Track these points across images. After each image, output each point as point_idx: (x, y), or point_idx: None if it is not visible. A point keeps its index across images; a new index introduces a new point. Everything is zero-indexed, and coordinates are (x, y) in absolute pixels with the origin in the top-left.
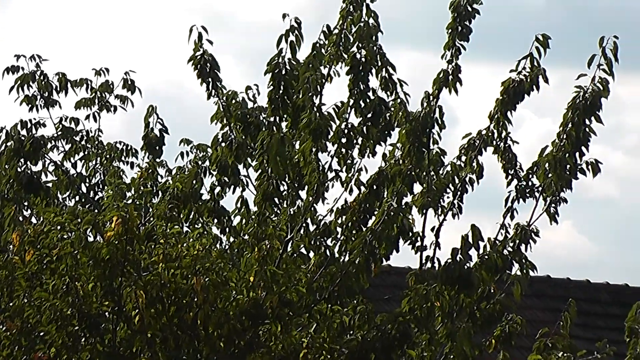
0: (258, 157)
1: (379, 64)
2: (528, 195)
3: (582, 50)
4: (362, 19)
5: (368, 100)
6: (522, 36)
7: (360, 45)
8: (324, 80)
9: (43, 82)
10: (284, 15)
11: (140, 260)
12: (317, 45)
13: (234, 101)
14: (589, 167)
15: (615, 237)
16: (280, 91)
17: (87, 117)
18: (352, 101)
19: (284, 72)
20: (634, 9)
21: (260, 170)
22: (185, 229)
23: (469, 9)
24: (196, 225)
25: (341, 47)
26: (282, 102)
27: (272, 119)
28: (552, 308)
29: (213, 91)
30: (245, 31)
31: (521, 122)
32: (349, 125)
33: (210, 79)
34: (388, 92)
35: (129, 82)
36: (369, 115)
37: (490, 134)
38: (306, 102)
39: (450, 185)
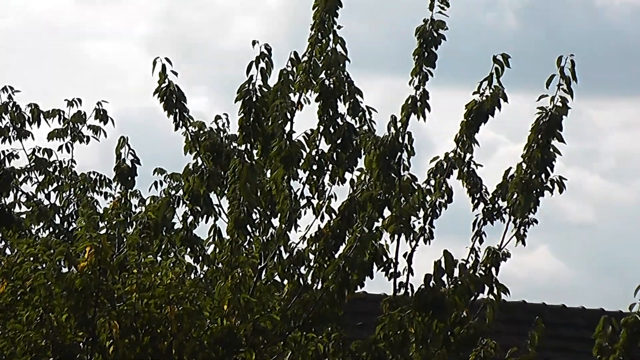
0: (230, 186)
1: (347, 91)
2: (495, 217)
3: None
4: (330, 46)
5: (337, 127)
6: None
7: (328, 72)
8: (294, 108)
9: (15, 114)
10: (254, 42)
11: (114, 290)
12: (285, 72)
13: (202, 131)
14: (554, 184)
15: (592, 262)
16: (251, 118)
17: (60, 147)
18: (321, 128)
19: (254, 99)
20: (610, 33)
21: (232, 199)
22: (158, 258)
23: (435, 34)
24: (169, 255)
25: (310, 75)
26: (252, 130)
27: (242, 146)
28: (528, 333)
29: (180, 122)
30: (218, 60)
31: (495, 147)
32: (320, 152)
33: (177, 110)
34: (356, 119)
35: (102, 112)
36: (338, 142)
37: (457, 157)
38: (276, 130)
39: (421, 210)
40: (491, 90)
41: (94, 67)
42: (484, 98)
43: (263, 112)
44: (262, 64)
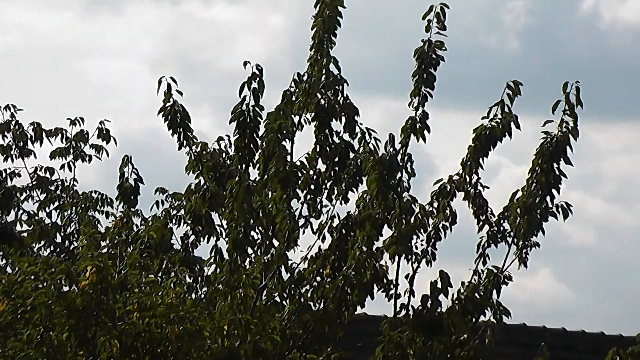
0: (228, 206)
1: (342, 110)
2: (500, 240)
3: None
4: (324, 65)
5: (333, 146)
6: (503, 83)
7: (323, 91)
8: (294, 129)
9: (18, 132)
10: (245, 63)
11: (115, 309)
12: (288, 93)
13: (205, 152)
14: (559, 210)
15: (593, 285)
16: (246, 139)
17: (62, 166)
18: (318, 147)
19: (248, 119)
20: (612, 56)
21: (229, 219)
22: (159, 278)
23: (433, 56)
24: (169, 275)
25: (309, 95)
26: (247, 150)
27: (239, 167)
28: (528, 356)
29: (184, 142)
30: (221, 80)
31: (498, 170)
32: (317, 171)
33: (181, 130)
34: (356, 140)
35: (104, 132)
36: (336, 160)
37: (462, 180)
38: (275, 150)
39: (422, 232)
40: (501, 116)
41: (97, 85)
42: (494, 123)
43: (257, 132)
44: (255, 84)
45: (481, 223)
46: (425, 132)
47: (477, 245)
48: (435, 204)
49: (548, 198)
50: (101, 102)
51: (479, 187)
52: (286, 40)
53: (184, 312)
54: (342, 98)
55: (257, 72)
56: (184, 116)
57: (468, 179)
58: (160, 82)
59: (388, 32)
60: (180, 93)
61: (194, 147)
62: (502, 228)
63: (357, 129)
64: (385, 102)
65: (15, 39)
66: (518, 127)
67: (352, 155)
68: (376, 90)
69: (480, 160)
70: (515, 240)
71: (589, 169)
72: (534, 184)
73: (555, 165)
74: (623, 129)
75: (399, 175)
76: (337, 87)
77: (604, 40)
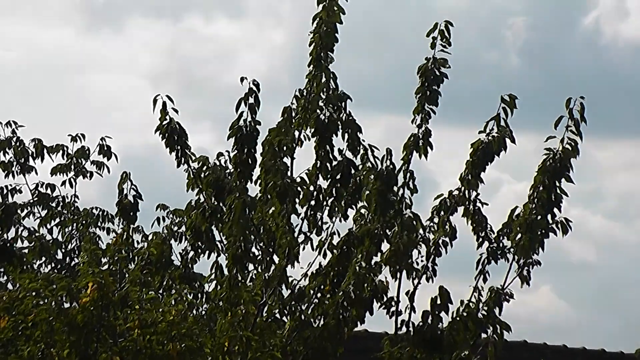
0: (227, 222)
1: (343, 126)
2: (499, 257)
3: (561, 114)
4: (322, 81)
5: (335, 162)
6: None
7: (323, 107)
8: (294, 144)
9: (19, 149)
10: (242, 79)
11: (116, 325)
12: (289, 109)
13: (205, 167)
14: (559, 226)
15: (593, 302)
16: (244, 155)
17: (63, 183)
18: (319, 163)
19: (246, 135)
20: (613, 73)
21: (227, 235)
22: (159, 295)
23: (437, 73)
24: (171, 291)
25: (309, 111)
26: (246, 165)
27: (237, 182)
28: None
29: (182, 159)
30: (222, 95)
31: (499, 185)
32: (318, 188)
33: (178, 147)
34: (358, 156)
35: (105, 148)
36: (337, 177)
37: (461, 195)
38: (274, 165)
39: (424, 247)
40: (497, 131)
41: (98, 101)
42: (490, 138)
43: (255, 147)
44: (251, 100)
45: (481, 239)
46: (428, 148)
47: (477, 261)
48: (436, 219)
49: (549, 216)
50: (102, 118)
51: (478, 204)
52: (287, 56)
53: (186, 329)
54: (344, 114)
55: (253, 88)
56: (180, 134)
57: (467, 195)
58: (155, 100)
59: (389, 49)
60: (176, 111)
61: (192, 164)
62: (501, 244)
63: (359, 145)
64: (385, 118)
65: (17, 55)
66: (513, 141)
67: (353, 172)
68: (376, 106)
69: (479, 175)
70: (516, 257)
71: (590, 185)
72: (536, 201)
73: (557, 182)
74: (624, 145)
75: (400, 191)
76: (339, 103)
77: (605, 56)
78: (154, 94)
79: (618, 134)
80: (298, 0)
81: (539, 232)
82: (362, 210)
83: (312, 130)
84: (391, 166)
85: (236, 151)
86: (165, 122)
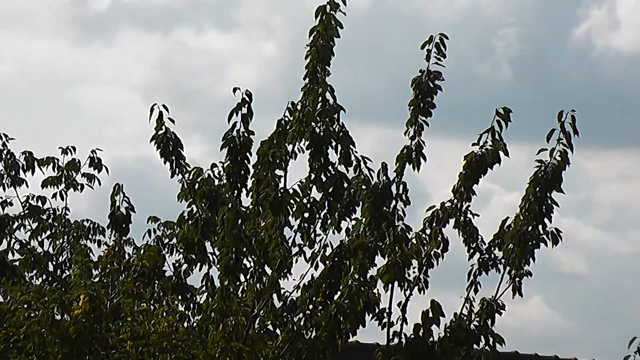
0: (219, 233)
1: (339, 139)
2: (490, 268)
3: (553, 126)
4: (319, 93)
5: (329, 175)
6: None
7: (318, 119)
8: (288, 157)
9: (10, 161)
10: (235, 90)
11: (108, 337)
12: (282, 122)
13: (199, 178)
14: (549, 236)
15: (585, 313)
16: (237, 165)
17: (54, 195)
18: (312, 176)
19: (239, 146)
20: (604, 85)
21: (220, 245)
22: (151, 306)
23: (431, 85)
24: (162, 303)
25: (304, 123)
26: (238, 177)
27: (229, 193)
28: None
29: (177, 169)
30: (214, 108)
31: (490, 197)
32: (311, 200)
33: (173, 157)
34: (349, 168)
35: (96, 161)
36: (330, 190)
37: (453, 207)
38: (267, 176)
39: (416, 259)
40: (492, 143)
41: (89, 113)
42: (484, 150)
43: (248, 158)
44: (244, 110)
45: (472, 250)
46: (421, 160)
47: (468, 272)
48: (428, 231)
49: (540, 227)
50: (93, 130)
51: (469, 215)
52: (279, 68)
53: (177, 340)
54: (337, 126)
55: (246, 98)
56: (176, 144)
57: (459, 206)
58: (152, 110)
59: (381, 60)
60: (173, 121)
61: (186, 175)
62: (492, 255)
63: (352, 158)
64: (377, 130)
65: (8, 67)
66: (506, 154)
67: (346, 185)
68: (368, 117)
69: (472, 187)
70: (508, 268)
71: (582, 196)
72: (527, 213)
73: (548, 194)
74: (616, 156)
75: (393, 203)
76: (333, 116)
77: (596, 68)
78: (145, 107)
79: (610, 145)
80: (289, 12)
81: (530, 243)
82: (354, 223)
83: (307, 142)
84: (387, 180)
85: (229, 162)
86: (160, 132)
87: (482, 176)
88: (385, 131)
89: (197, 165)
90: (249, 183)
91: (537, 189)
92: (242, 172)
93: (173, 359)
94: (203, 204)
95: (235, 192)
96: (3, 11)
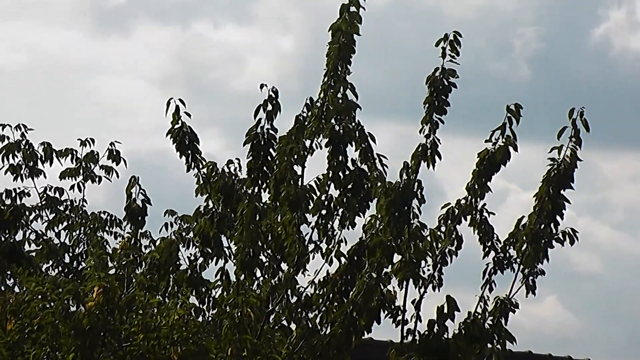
0: (237, 228)
1: (357, 136)
2: (506, 267)
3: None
4: (340, 92)
5: (347, 172)
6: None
7: (338, 117)
8: (305, 153)
9: (28, 152)
10: (262, 86)
11: (121, 330)
12: (300, 118)
13: (214, 172)
14: (566, 236)
15: (599, 313)
16: (260, 161)
17: (72, 187)
18: (331, 173)
19: (262, 142)
20: (622, 85)
21: (237, 240)
22: (164, 299)
23: (445, 83)
24: (176, 296)
25: (323, 120)
26: (261, 173)
27: (251, 189)
28: None
29: (192, 163)
30: (230, 102)
31: (506, 195)
32: (329, 197)
33: (189, 151)
34: (368, 164)
35: (114, 153)
36: (349, 187)
37: (468, 205)
38: (287, 173)
39: (430, 256)
40: (504, 140)
41: (106, 104)
42: (496, 147)
43: (271, 155)
44: (270, 107)
45: (487, 249)
46: (436, 157)
47: (483, 271)
48: (443, 228)
49: (552, 225)
50: (109, 122)
51: (485, 213)
52: (296, 62)
53: (187, 332)
54: (354, 124)
55: (272, 95)
56: (192, 138)
57: (473, 204)
58: (168, 103)
59: (396, 56)
60: (189, 115)
61: (202, 169)
62: (508, 254)
63: (372, 157)
64: (392, 126)
65: (25, 57)
66: (516, 149)
67: (365, 184)
68: (383, 113)
69: (486, 184)
70: (522, 267)
71: (597, 196)
72: (541, 211)
73: (560, 192)
74: (632, 157)
75: (410, 202)
76: (351, 113)
77: (614, 68)
78: (161, 99)
79: (626, 146)
80: (307, 7)
81: (543, 242)
82: (371, 219)
83: (326, 140)
84: (407, 180)
85: (251, 157)
86: (177, 126)
87: (495, 173)
88: (401, 127)
89: (214, 158)
90: (268, 180)
91: (550, 187)
92: (265, 168)
93: (183, 351)
94: (218, 199)
95: (256, 188)
96: (20, 1)
